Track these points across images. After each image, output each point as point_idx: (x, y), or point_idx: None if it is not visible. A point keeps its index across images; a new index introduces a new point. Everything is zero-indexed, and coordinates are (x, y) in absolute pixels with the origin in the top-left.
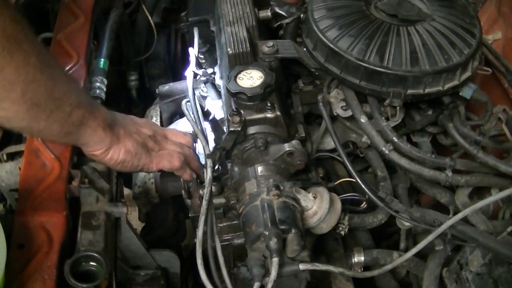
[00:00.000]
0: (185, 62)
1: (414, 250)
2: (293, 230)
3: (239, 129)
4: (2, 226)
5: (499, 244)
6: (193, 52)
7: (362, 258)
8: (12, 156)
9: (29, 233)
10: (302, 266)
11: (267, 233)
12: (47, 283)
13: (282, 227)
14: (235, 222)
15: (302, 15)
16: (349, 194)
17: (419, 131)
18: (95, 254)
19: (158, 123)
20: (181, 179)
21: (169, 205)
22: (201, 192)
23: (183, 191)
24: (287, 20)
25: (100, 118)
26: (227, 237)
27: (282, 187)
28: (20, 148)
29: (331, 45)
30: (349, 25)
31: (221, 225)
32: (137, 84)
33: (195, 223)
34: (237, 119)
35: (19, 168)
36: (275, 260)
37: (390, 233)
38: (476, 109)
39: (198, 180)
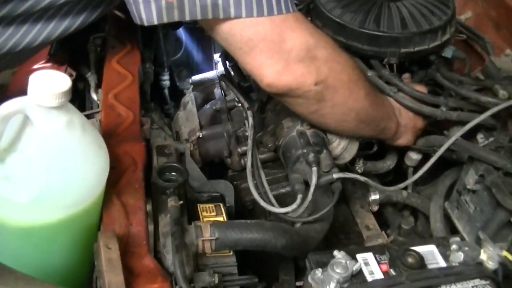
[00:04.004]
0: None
1: (420, 172)
2: (324, 151)
3: None
4: None
5: (487, 152)
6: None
7: (378, 196)
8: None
9: (118, 158)
10: (335, 175)
11: (305, 151)
12: (137, 190)
13: (316, 148)
14: (279, 175)
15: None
16: None
17: None
18: (177, 164)
19: (195, 108)
20: (223, 141)
21: None
22: (239, 149)
23: (224, 151)
24: (299, 7)
25: (394, 124)
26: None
27: None
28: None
29: (338, 20)
30: (349, 4)
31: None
32: (168, 83)
33: (235, 181)
34: None
35: (99, 121)
36: (314, 169)
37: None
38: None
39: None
